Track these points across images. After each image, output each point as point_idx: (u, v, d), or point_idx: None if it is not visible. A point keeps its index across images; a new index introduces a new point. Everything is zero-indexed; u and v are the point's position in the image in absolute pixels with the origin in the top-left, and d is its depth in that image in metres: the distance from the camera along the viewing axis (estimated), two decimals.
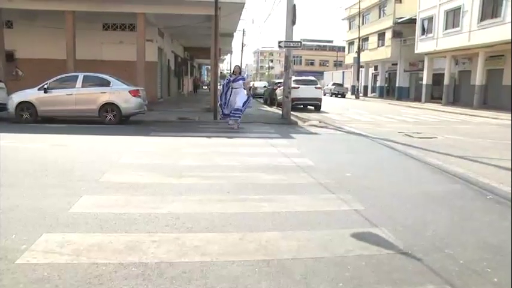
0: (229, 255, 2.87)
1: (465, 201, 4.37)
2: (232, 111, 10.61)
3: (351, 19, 45.74)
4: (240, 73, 11.04)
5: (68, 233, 3.18)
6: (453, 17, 24.76)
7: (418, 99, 30.33)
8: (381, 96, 38.63)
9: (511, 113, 16.97)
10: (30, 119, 10.90)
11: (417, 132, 10.89)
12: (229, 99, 10.77)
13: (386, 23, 35.20)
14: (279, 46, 13.22)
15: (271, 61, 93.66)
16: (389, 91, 38.61)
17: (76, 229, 3.27)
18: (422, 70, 29.43)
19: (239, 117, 10.64)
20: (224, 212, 3.77)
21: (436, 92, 28.44)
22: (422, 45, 28.23)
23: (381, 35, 36.88)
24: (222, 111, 11.05)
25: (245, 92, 10.89)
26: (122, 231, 3.25)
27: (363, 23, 40.52)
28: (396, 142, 8.91)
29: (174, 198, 4.18)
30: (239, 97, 10.63)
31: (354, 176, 5.42)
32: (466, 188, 5.00)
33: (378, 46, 37.61)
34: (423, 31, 28.30)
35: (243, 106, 10.64)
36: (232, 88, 10.71)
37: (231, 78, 10.82)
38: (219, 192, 4.45)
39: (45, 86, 10.92)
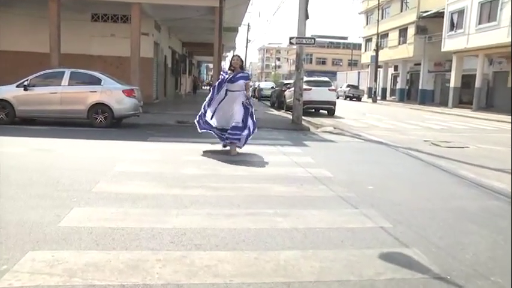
0: (244, 277, 2.86)
1: (508, 221, 4.34)
2: (230, 131, 7.39)
3: (368, 13, 45.98)
4: (242, 68, 7.62)
5: (58, 250, 3.16)
6: (489, 10, 24.36)
7: (444, 103, 30.34)
8: (401, 100, 38.68)
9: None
10: (6, 119, 10.87)
11: (445, 141, 10.88)
12: (217, 107, 7.61)
13: (409, 17, 35.26)
14: (290, 43, 13.29)
15: (278, 59, 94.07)
16: (411, 94, 38.67)
17: (68, 246, 3.25)
18: (450, 71, 29.43)
19: (238, 139, 7.42)
20: (235, 228, 3.76)
21: (466, 96, 28.39)
22: (451, 43, 28.15)
23: (403, 30, 36.99)
24: (199, 124, 7.72)
25: (249, 104, 7.63)
26: (122, 248, 3.24)
27: (382, 17, 40.69)
28: (422, 152, 8.91)
29: (178, 211, 4.18)
30: (238, 107, 7.46)
31: (378, 189, 5.43)
32: (507, 205, 4.97)
33: (399, 43, 37.71)
34: (452, 26, 28.20)
35: (245, 123, 7.52)
36: (227, 91, 7.44)
37: (227, 76, 7.45)
38: (229, 205, 4.45)
39: (26, 83, 10.94)
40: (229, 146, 7.51)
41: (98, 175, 5.51)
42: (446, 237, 3.77)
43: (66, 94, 10.92)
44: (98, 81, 11.17)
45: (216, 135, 7.72)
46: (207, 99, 7.61)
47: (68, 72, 11.19)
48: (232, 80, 7.39)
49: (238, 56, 7.74)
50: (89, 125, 10.94)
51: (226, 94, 7.47)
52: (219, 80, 7.58)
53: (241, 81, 7.41)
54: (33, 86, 10.99)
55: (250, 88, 53.89)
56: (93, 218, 3.89)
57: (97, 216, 3.93)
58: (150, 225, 3.75)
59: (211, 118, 7.65)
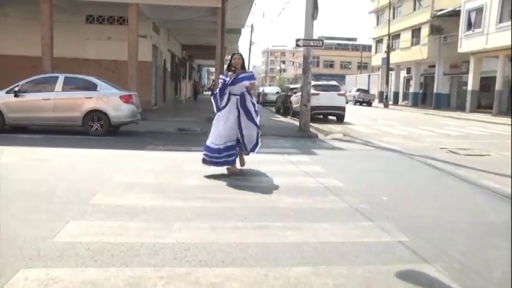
0: None
1: None
2: (228, 144, 6.51)
3: (379, 12, 46.15)
4: (243, 67, 6.73)
5: (53, 267, 3.14)
6: (511, 7, 24.18)
7: (461, 108, 30.29)
8: (414, 104, 38.67)
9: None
10: None
11: (464, 148, 10.84)
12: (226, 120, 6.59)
13: (423, 16, 35.30)
14: (297, 45, 13.34)
15: (283, 62, 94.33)
16: (425, 98, 38.67)
17: (63, 263, 3.24)
18: (467, 73, 29.39)
19: (233, 156, 6.58)
20: (242, 242, 3.75)
21: (485, 100, 28.29)
22: (468, 43, 28.09)
23: (416, 31, 37.06)
24: (207, 153, 6.58)
25: (254, 102, 6.77)
26: (121, 265, 3.23)
27: (393, 17, 40.83)
28: (439, 160, 8.88)
29: (181, 224, 4.17)
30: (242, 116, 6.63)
31: (393, 201, 5.41)
32: None
33: (412, 45, 37.78)
34: (469, 25, 28.15)
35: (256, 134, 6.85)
36: (230, 95, 6.56)
37: (228, 79, 6.52)
38: (234, 218, 4.44)
39: (16, 89, 11.00)
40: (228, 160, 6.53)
41: (95, 186, 5.51)
42: (470, 253, 3.74)
43: (60, 100, 10.99)
44: (93, 87, 11.24)
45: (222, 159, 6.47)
46: (216, 112, 6.65)
47: (61, 77, 11.27)
48: (234, 82, 6.45)
49: (239, 54, 6.72)
50: (84, 133, 10.98)
51: (229, 99, 6.54)
52: (220, 87, 6.61)
53: (245, 82, 6.48)
54: (25, 92, 11.06)
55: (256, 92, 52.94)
56: (90, 232, 3.88)
57: (94, 231, 3.92)
58: (151, 240, 3.73)
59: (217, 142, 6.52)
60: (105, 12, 18.87)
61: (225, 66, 6.55)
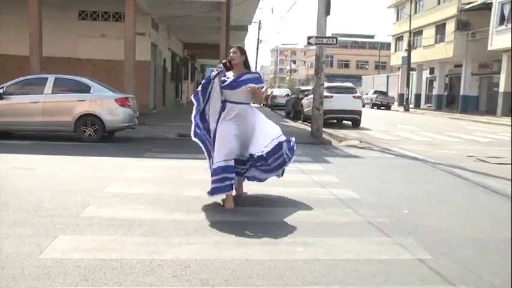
0: None
1: None
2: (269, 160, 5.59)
3: (399, 7, 46.20)
4: (246, 65, 5.48)
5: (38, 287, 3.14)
6: None
7: (491, 112, 30.14)
8: (438, 107, 38.58)
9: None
10: None
11: (494, 157, 10.80)
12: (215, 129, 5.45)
13: (448, 10, 35.22)
14: (309, 43, 13.39)
15: (294, 62, 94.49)
16: (450, 101, 38.55)
17: (50, 282, 3.23)
18: (498, 73, 29.26)
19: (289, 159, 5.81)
20: (248, 259, 3.74)
21: None
22: (500, 39, 27.87)
23: (440, 27, 37.01)
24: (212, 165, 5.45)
25: (261, 116, 5.70)
26: (115, 284, 3.23)
27: (415, 12, 40.82)
28: (466, 169, 8.85)
29: (181, 239, 4.17)
30: (261, 123, 5.65)
31: (414, 214, 5.39)
32: None
33: (436, 42, 37.74)
34: (502, 20, 27.96)
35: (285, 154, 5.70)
36: (226, 102, 5.38)
37: (215, 73, 5.50)
38: (239, 233, 4.43)
39: (1, 91, 11.08)
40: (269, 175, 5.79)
41: (87, 197, 5.53)
42: (503, 274, 3.69)
43: (50, 104, 11.06)
44: (86, 89, 11.32)
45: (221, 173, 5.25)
46: (193, 116, 5.56)
47: (51, 79, 11.35)
48: (234, 85, 5.27)
49: (239, 48, 5.47)
50: (77, 139, 11.05)
51: (225, 107, 5.36)
52: (202, 82, 5.63)
53: (249, 84, 5.27)
54: (10, 95, 11.15)
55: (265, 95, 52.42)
56: (81, 248, 3.88)
57: (85, 246, 3.92)
58: (148, 256, 3.73)
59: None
60: (100, 7, 19.06)
61: (218, 66, 5.40)
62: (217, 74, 5.42)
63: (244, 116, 5.38)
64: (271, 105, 34.21)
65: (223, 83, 5.34)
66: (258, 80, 5.46)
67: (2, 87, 11.15)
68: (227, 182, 5.22)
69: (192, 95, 5.66)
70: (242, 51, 5.44)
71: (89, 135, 11.07)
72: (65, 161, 8.43)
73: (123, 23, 16.50)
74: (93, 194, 5.75)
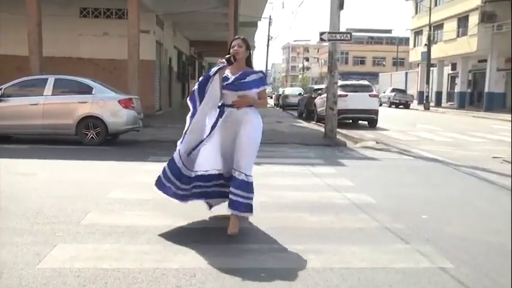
0: None
1: None
2: (234, 188, 4.63)
3: None
4: (249, 62, 4.89)
5: None
6: None
7: None
8: (461, 106, 38.30)
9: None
10: None
11: None
12: (210, 136, 4.79)
13: (472, 1, 34.90)
14: (321, 39, 13.39)
15: (307, 59, 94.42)
16: (474, 99, 38.24)
17: None
18: None
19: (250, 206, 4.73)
20: (257, 268, 3.74)
21: None
22: None
23: (463, 19, 36.73)
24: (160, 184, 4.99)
25: (259, 120, 4.88)
26: None
27: (435, 4, 40.58)
28: (491, 171, 8.78)
29: (186, 247, 4.18)
30: (247, 138, 4.70)
31: (434, 219, 5.36)
32: None
33: (458, 36, 37.49)
34: None
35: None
36: (224, 106, 4.78)
37: (215, 69, 4.77)
38: (248, 240, 4.46)
39: None
40: (233, 212, 4.66)
41: (88, 204, 5.57)
42: None
43: (50, 106, 11.16)
44: (88, 90, 11.40)
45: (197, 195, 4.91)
46: (188, 119, 4.85)
47: (51, 80, 11.44)
48: (235, 86, 4.69)
49: (244, 40, 4.86)
50: (78, 143, 11.13)
51: (223, 111, 4.76)
52: (200, 81, 4.86)
53: (255, 90, 4.74)
54: (9, 97, 11.25)
55: (274, 95, 52.99)
56: (82, 257, 3.91)
57: (86, 255, 3.95)
58: (151, 264, 3.75)
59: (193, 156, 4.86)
60: (102, 4, 19.19)
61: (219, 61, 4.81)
62: (218, 70, 4.70)
63: (245, 122, 4.69)
64: (283, 105, 34.23)
65: (224, 81, 4.68)
66: (262, 81, 4.82)
67: (0, 89, 11.25)
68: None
69: (188, 97, 4.88)
70: (247, 46, 4.86)
71: (91, 139, 11.13)
72: (66, 165, 8.51)
73: (126, 21, 16.60)
74: (95, 199, 5.80)
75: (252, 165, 4.73)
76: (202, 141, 4.76)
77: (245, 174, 4.59)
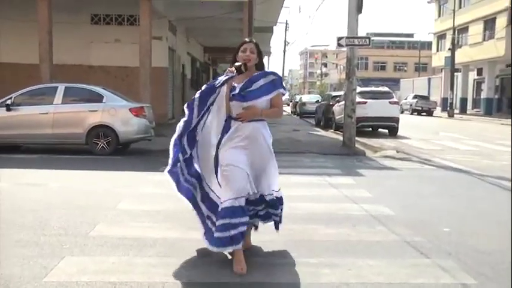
0: None
1: None
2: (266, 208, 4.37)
3: (441, 1, 45.85)
4: (261, 65, 4.33)
5: None
6: None
7: None
8: (488, 113, 37.87)
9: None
10: None
11: None
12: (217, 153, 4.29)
13: (499, 3, 34.52)
14: (339, 44, 13.39)
15: (325, 65, 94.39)
16: (501, 105, 37.77)
17: None
18: None
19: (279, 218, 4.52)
20: (269, 282, 3.75)
21: None
22: None
23: (490, 22, 36.43)
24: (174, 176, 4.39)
25: (268, 134, 4.28)
26: None
27: (459, 6, 40.27)
28: None
29: (197, 260, 4.21)
30: (262, 160, 4.26)
31: (456, 232, 5.31)
32: None
33: (484, 39, 37.18)
34: None
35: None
36: (231, 119, 4.21)
37: (223, 78, 4.19)
38: (260, 253, 4.46)
39: (8, 102, 11.38)
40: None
41: (97, 215, 5.63)
42: None
43: (60, 114, 11.32)
44: (98, 98, 11.55)
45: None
46: (174, 137, 4.40)
47: (61, 88, 11.62)
48: (241, 96, 4.10)
49: (254, 44, 4.24)
50: (88, 152, 11.26)
51: (229, 126, 4.18)
52: (202, 89, 4.30)
53: (265, 98, 4.13)
54: (18, 106, 11.45)
55: (291, 103, 52.58)
56: (89, 270, 3.95)
57: (94, 268, 3.99)
58: (160, 278, 3.78)
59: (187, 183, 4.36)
60: (113, 10, 19.37)
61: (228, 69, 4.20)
62: (226, 81, 4.12)
63: (255, 138, 4.14)
64: (300, 113, 34.25)
65: (232, 91, 4.13)
66: (274, 84, 4.15)
67: (10, 98, 11.44)
68: (234, 231, 3.96)
69: (186, 104, 4.41)
70: (260, 51, 4.26)
71: (102, 148, 11.25)
72: (76, 175, 8.61)
73: (138, 27, 16.73)
74: (104, 211, 5.86)
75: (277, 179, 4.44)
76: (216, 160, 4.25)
77: (275, 191, 4.38)
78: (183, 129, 4.31)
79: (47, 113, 11.32)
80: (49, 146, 11.76)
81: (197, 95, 4.30)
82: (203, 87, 4.30)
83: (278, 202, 4.42)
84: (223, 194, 4.09)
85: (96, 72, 18.57)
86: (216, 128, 4.29)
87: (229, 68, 4.16)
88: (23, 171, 8.93)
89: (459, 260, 4.36)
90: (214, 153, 4.27)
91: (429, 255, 4.48)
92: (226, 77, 4.10)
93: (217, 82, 4.17)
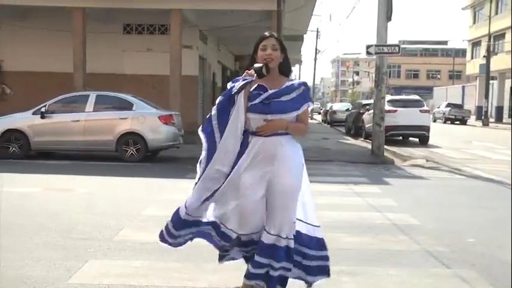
0: None
1: None
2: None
3: (476, 7, 45.09)
4: (285, 69, 3.45)
5: None
6: None
7: None
8: None
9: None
10: (19, 153, 11.57)
11: None
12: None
13: None
14: (368, 52, 13.34)
15: (357, 73, 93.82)
16: None
17: None
18: None
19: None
20: None
21: None
22: None
23: None
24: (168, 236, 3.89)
25: (299, 154, 3.45)
26: None
27: (495, 12, 39.56)
28: None
29: (217, 266, 4.19)
30: (283, 185, 3.34)
31: (481, 243, 5.25)
32: None
33: None
34: None
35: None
36: (251, 135, 3.34)
37: (239, 84, 3.27)
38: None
39: (43, 109, 11.69)
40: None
41: (123, 220, 5.76)
42: None
43: (91, 122, 11.58)
44: (128, 106, 11.78)
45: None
46: (202, 159, 3.66)
47: (93, 96, 11.89)
48: (266, 106, 3.29)
49: (276, 38, 3.43)
50: (118, 159, 11.48)
51: (247, 142, 3.36)
52: (219, 100, 3.46)
53: (295, 113, 3.32)
54: (52, 113, 11.74)
55: (322, 111, 52.12)
56: (112, 273, 4.04)
57: (116, 271, 4.08)
58: (179, 283, 3.84)
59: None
60: (145, 20, 19.67)
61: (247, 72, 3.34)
62: (243, 86, 3.27)
63: (273, 155, 3.30)
64: (331, 121, 34.17)
65: (251, 100, 3.30)
66: (304, 97, 3.36)
67: (44, 106, 11.75)
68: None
69: (200, 128, 3.65)
70: (283, 47, 3.42)
71: (131, 155, 11.44)
72: (104, 181, 8.78)
73: (169, 36, 16.95)
74: (130, 216, 5.97)
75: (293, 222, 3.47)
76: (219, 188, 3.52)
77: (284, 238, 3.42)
78: (203, 168, 3.58)
79: (78, 121, 11.59)
80: (80, 152, 12.02)
81: (213, 111, 3.46)
82: (218, 99, 3.46)
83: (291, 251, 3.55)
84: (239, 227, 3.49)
85: (129, 80, 18.83)
86: (228, 146, 3.40)
87: (247, 71, 3.33)
88: (54, 176, 9.18)
89: (483, 271, 4.31)
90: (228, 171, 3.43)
91: (451, 266, 4.44)
92: (244, 82, 3.26)
93: (234, 88, 3.30)
